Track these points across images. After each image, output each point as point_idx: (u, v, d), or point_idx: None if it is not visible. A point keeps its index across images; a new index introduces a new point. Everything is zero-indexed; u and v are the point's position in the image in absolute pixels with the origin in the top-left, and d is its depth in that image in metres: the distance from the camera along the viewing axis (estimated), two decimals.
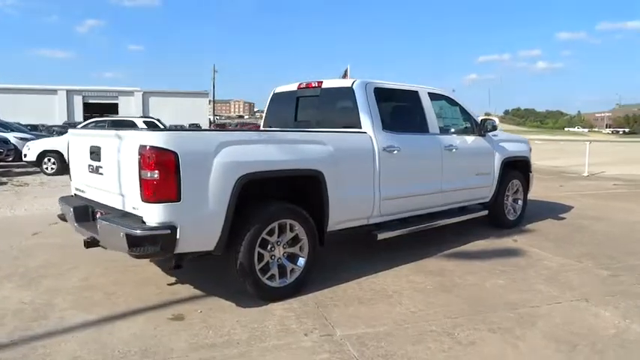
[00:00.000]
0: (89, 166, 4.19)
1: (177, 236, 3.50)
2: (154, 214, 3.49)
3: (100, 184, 4.07)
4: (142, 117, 15.91)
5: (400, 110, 5.64)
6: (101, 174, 4.02)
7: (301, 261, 4.25)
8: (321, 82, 5.38)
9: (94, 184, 4.20)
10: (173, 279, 4.65)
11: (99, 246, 4.02)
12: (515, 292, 4.39)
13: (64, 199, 4.71)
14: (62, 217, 4.75)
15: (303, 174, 4.22)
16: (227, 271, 4.11)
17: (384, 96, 5.19)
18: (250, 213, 3.88)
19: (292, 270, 4.21)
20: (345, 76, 14.35)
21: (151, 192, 3.46)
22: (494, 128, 6.37)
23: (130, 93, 57.08)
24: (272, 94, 6.11)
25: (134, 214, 3.64)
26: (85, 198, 4.41)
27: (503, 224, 6.86)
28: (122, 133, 3.80)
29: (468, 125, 6.28)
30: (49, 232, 6.51)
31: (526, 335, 3.53)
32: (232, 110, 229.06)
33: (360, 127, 4.89)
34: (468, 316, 3.85)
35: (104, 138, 4.04)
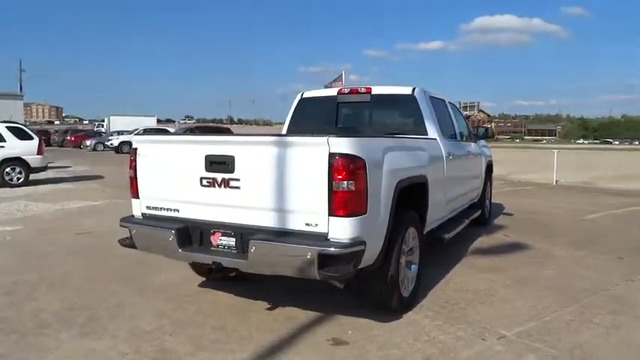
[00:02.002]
0: (203, 179, 3.52)
1: (365, 253, 3.21)
2: (344, 230, 3.14)
3: (229, 200, 3.46)
4: (2, 121, 13.11)
5: (441, 118, 5.89)
6: (235, 187, 3.42)
7: (414, 268, 4.21)
8: (370, 88, 5.34)
9: (212, 199, 3.53)
10: (265, 302, 4.16)
11: (223, 272, 3.44)
12: (573, 279, 4.98)
13: (134, 221, 3.86)
14: (128, 244, 3.89)
15: (418, 180, 4.19)
16: (305, 289, 3.88)
17: (432, 104, 5.39)
18: (400, 221, 3.73)
19: (412, 278, 4.14)
20: (338, 81, 14.08)
21: (342, 205, 3.11)
22: (487, 134, 7.05)
23: None
24: (298, 99, 5.81)
25: (305, 232, 3.21)
26: (184, 218, 3.68)
27: (484, 221, 7.59)
28: (291, 139, 3.31)
29: (467, 131, 6.84)
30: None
31: None
32: (35, 114, 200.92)
33: (427, 134, 5.01)
34: (578, 304, 4.27)
35: (241, 146, 3.45)
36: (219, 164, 3.47)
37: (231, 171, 3.42)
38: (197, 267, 4.56)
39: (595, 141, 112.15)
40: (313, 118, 5.79)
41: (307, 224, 3.23)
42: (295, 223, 3.27)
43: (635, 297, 4.48)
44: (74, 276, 4.97)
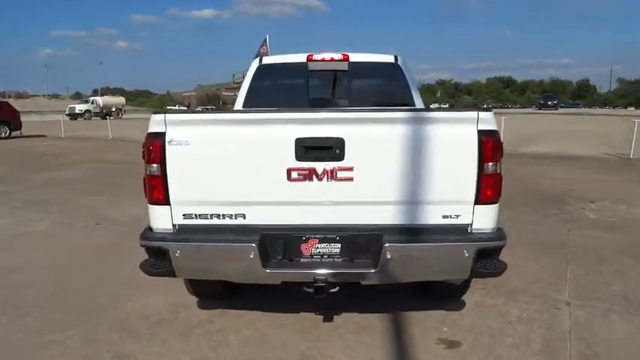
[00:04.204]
0: (293, 171, 2.62)
1: None
2: (489, 219, 2.73)
3: (335, 195, 2.65)
4: None
5: None
6: (345, 179, 2.63)
7: None
8: (347, 55, 4.79)
9: (306, 197, 2.65)
10: (311, 314, 3.45)
11: (331, 290, 2.71)
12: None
13: (174, 237, 2.70)
14: (162, 271, 2.72)
15: None
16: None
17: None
18: None
19: None
20: (263, 47, 11.66)
21: (490, 191, 2.69)
22: None
23: None
24: (256, 66, 4.87)
25: (445, 226, 2.70)
26: (255, 226, 2.71)
27: None
28: (425, 114, 2.65)
29: None
30: None
31: None
32: None
33: (415, 105, 4.77)
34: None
35: (353, 125, 2.63)
36: (322, 150, 2.63)
37: (340, 158, 2.63)
38: (201, 286, 3.48)
39: None
40: (277, 89, 4.96)
41: (445, 216, 2.71)
42: (430, 217, 2.71)
43: None
44: None
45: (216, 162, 2.68)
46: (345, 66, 4.76)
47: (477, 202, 2.68)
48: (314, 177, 2.64)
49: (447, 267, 2.70)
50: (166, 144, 2.66)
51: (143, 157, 2.73)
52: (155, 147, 2.67)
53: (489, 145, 2.62)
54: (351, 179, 2.64)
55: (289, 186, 2.65)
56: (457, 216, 2.71)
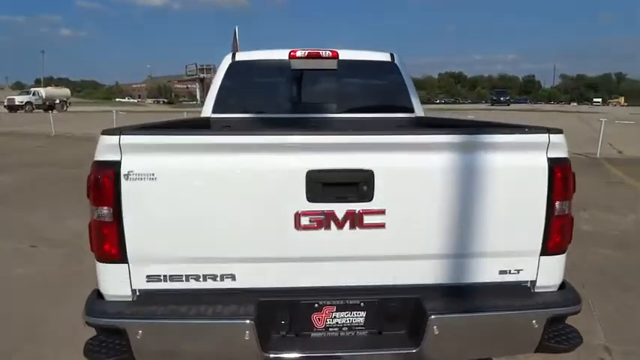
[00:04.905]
0: (302, 216, 1.88)
1: None
2: (556, 273, 2.12)
3: (359, 247, 1.94)
4: None
5: None
6: (374, 226, 1.92)
7: None
8: (336, 52, 4.08)
9: (319, 250, 1.93)
10: None
11: None
12: None
13: (134, 312, 1.90)
14: (117, 358, 1.91)
15: None
16: None
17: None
18: None
19: None
20: (234, 41, 10.37)
21: (560, 236, 2.05)
22: None
23: None
24: (229, 63, 4.06)
25: (502, 285, 2.05)
26: (250, 290, 1.97)
27: None
28: (474, 137, 1.96)
29: None
30: None
31: None
32: None
33: (413, 112, 4.14)
34: None
35: (385, 152, 1.92)
36: (343, 187, 1.91)
37: (368, 197, 1.91)
38: None
39: None
40: (254, 91, 4.17)
41: (503, 271, 2.06)
42: (483, 273, 2.05)
43: None
44: None
45: (195, 203, 1.90)
46: (333, 64, 4.06)
47: (544, 252, 2.04)
48: (332, 224, 1.91)
49: (509, 342, 2.05)
50: (122, 178, 1.86)
51: (88, 195, 1.93)
52: (105, 182, 1.87)
53: (562, 177, 1.99)
54: (382, 226, 1.93)
55: (298, 236, 1.92)
56: (518, 271, 2.06)
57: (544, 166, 1.96)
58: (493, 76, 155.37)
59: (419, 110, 4.14)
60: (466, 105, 71.79)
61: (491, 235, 1.99)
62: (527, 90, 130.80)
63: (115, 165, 1.86)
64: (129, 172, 1.85)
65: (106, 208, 1.88)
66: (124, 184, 1.86)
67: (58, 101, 47.48)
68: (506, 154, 1.97)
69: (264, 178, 1.90)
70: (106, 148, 1.87)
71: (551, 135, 1.96)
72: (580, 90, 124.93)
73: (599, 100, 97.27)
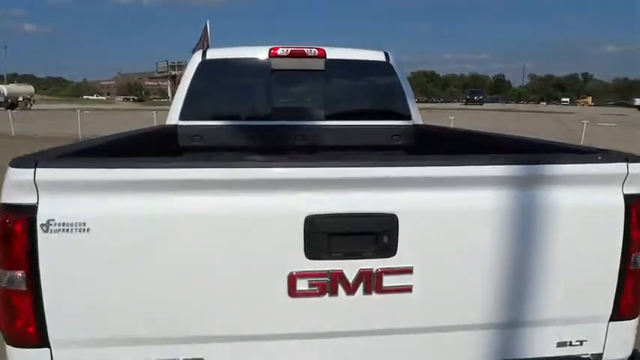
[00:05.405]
0: (300, 278, 1.36)
1: None
2: (629, 344, 1.64)
3: (375, 319, 1.43)
4: None
5: None
6: (398, 290, 1.40)
7: None
8: (323, 50, 3.55)
9: (320, 324, 1.42)
10: None
11: None
12: None
13: None
14: None
15: None
16: None
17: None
18: None
19: None
20: (204, 39, 9.52)
21: (634, 295, 1.58)
22: None
23: None
24: (198, 62, 3.48)
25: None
26: None
27: None
28: (536, 169, 1.46)
29: None
30: None
31: None
32: None
33: (410, 119, 3.67)
34: None
35: (410, 190, 1.39)
36: (355, 237, 1.39)
37: (390, 251, 1.39)
38: None
39: None
40: (228, 94, 3.61)
41: (561, 343, 1.57)
42: (538, 346, 1.56)
43: None
44: None
45: (145, 263, 1.35)
46: (320, 64, 3.54)
47: (615, 316, 1.56)
48: (339, 288, 1.39)
49: None
50: (39, 229, 1.29)
51: None
52: (15, 235, 1.30)
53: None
54: (408, 289, 1.42)
55: (292, 306, 1.39)
56: (580, 342, 1.58)
57: (620, 205, 1.48)
58: (465, 75, 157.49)
59: (416, 117, 3.67)
60: (439, 104, 72.16)
61: (550, 298, 1.51)
62: (498, 89, 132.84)
63: (30, 210, 1.29)
64: (48, 220, 1.29)
65: (18, 272, 1.31)
66: (42, 238, 1.29)
67: (21, 99, 45.50)
68: (569, 191, 1.48)
69: (247, 228, 1.36)
70: (16, 186, 1.30)
71: (630, 164, 1.48)
72: (548, 90, 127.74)
73: (567, 99, 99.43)
